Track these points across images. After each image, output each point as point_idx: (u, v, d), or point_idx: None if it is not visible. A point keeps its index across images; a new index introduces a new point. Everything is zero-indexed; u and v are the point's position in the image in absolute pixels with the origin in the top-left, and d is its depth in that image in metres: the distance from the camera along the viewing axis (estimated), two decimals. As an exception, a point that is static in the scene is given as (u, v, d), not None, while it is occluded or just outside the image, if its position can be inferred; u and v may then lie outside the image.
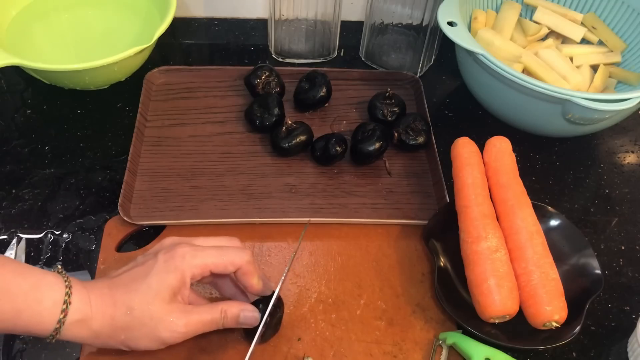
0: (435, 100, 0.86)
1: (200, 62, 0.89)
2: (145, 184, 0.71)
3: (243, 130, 0.78)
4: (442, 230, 0.66)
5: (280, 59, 0.90)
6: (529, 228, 0.62)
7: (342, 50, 0.91)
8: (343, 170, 0.75)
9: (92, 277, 0.63)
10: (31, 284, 0.48)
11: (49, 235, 0.67)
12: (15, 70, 0.82)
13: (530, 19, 0.85)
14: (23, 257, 0.64)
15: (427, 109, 0.80)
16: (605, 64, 0.81)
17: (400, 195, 0.73)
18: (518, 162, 0.69)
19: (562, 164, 0.79)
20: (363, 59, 0.91)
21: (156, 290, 0.50)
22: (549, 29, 0.84)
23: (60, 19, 0.87)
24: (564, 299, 0.59)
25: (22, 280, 0.48)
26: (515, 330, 0.60)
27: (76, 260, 0.65)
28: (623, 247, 0.71)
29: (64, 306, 0.49)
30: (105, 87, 0.82)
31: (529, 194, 0.66)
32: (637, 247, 0.71)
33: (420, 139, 0.76)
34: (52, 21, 0.87)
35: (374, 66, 0.90)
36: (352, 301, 0.63)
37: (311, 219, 0.68)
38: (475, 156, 0.68)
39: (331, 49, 0.90)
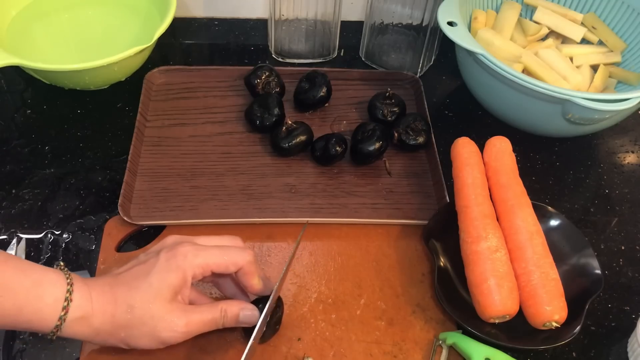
0: (435, 100, 0.86)
1: (200, 62, 0.89)
2: (145, 184, 0.71)
3: (243, 130, 0.78)
4: (442, 230, 0.66)
5: (280, 59, 0.90)
6: (529, 228, 0.62)
7: (342, 50, 0.91)
8: (343, 170, 0.75)
9: (92, 277, 0.63)
10: (33, 281, 0.49)
11: (49, 235, 0.67)
12: (15, 70, 0.82)
13: (530, 19, 0.85)
14: (23, 257, 0.64)
15: (427, 109, 0.80)
16: (605, 64, 0.81)
17: (400, 195, 0.73)
18: (518, 162, 0.69)
19: (562, 164, 0.79)
20: (363, 59, 0.91)
21: (157, 289, 0.50)
22: (549, 29, 0.84)
23: (60, 19, 0.87)
24: (564, 299, 0.59)
25: (23, 277, 0.48)
26: (515, 330, 0.60)
27: (76, 260, 0.65)
28: (623, 247, 0.71)
29: (65, 303, 0.49)
30: (105, 87, 0.82)
31: (529, 194, 0.66)
32: (637, 247, 0.71)
33: (420, 139, 0.76)
34: (52, 21, 0.87)
35: (374, 66, 0.90)
36: (352, 301, 0.63)
37: (311, 219, 0.68)
38: (475, 156, 0.68)
39: (331, 49, 0.90)
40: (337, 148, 0.73)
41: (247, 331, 0.56)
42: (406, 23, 0.85)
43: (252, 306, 0.55)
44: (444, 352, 0.59)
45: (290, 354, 0.59)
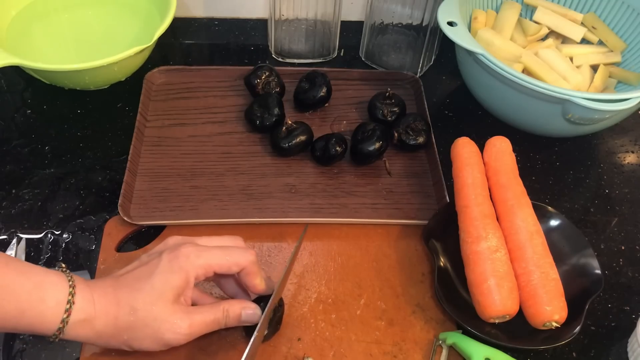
0: (435, 100, 0.86)
1: (200, 62, 0.89)
2: (145, 184, 0.71)
3: (243, 130, 0.78)
4: (442, 230, 0.66)
5: (280, 59, 0.90)
6: (529, 228, 0.62)
7: (342, 50, 0.91)
8: (343, 170, 0.75)
9: (92, 277, 0.63)
10: (35, 283, 0.48)
11: (49, 235, 0.67)
12: (15, 70, 0.82)
13: (530, 19, 0.85)
14: (23, 257, 0.64)
15: (427, 109, 0.80)
16: (605, 64, 0.81)
17: (400, 195, 0.73)
18: (518, 162, 0.69)
19: (562, 164, 0.79)
20: (363, 59, 0.91)
21: (160, 291, 0.50)
22: (549, 29, 0.84)
23: (60, 19, 0.87)
24: (564, 299, 0.59)
25: (25, 280, 0.48)
26: (515, 330, 0.60)
27: (76, 260, 0.65)
28: (623, 247, 0.71)
29: (68, 306, 0.48)
30: (105, 87, 0.82)
31: (529, 194, 0.66)
32: (637, 247, 0.71)
33: (420, 139, 0.76)
34: (52, 21, 0.87)
35: (374, 66, 0.90)
36: (352, 301, 0.63)
37: (311, 219, 0.68)
38: (475, 156, 0.68)
39: (331, 49, 0.90)
40: (337, 148, 0.73)
41: (249, 330, 0.56)
42: (406, 23, 0.85)
43: (254, 305, 0.55)
44: (444, 352, 0.59)
45: (290, 354, 0.59)
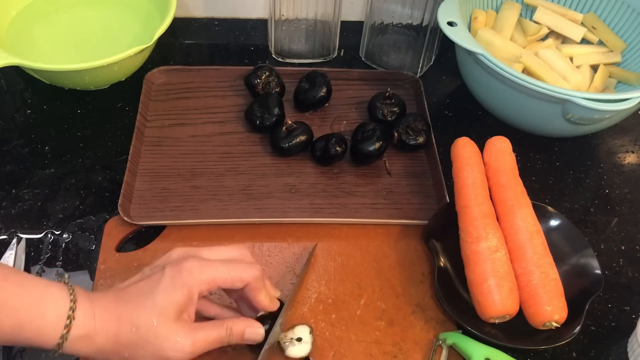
0: (435, 100, 0.86)
1: (200, 62, 0.89)
2: (145, 184, 0.71)
3: (243, 130, 0.78)
4: (442, 230, 0.66)
5: (280, 59, 0.90)
6: (529, 228, 0.62)
7: (342, 50, 0.91)
8: (343, 170, 0.75)
9: (92, 277, 0.63)
10: (35, 298, 0.47)
11: (49, 235, 0.67)
12: (15, 70, 0.82)
13: (530, 19, 0.85)
14: (23, 257, 0.64)
15: (427, 109, 0.80)
16: (605, 64, 0.81)
17: (400, 195, 0.73)
18: (518, 162, 0.69)
19: (562, 164, 0.79)
20: (363, 59, 0.91)
21: (162, 308, 0.49)
22: (549, 29, 0.84)
23: (60, 19, 0.87)
24: (564, 299, 0.59)
25: (25, 294, 0.47)
26: (515, 330, 0.60)
27: (76, 260, 0.65)
28: (623, 247, 0.71)
29: (68, 321, 0.47)
30: (105, 87, 0.82)
31: (529, 194, 0.66)
32: (637, 247, 0.71)
33: (420, 139, 0.76)
34: (52, 21, 0.87)
35: (374, 66, 0.90)
36: (352, 301, 0.63)
37: (311, 219, 0.69)
38: (475, 156, 0.68)
39: (331, 49, 0.90)
40: (337, 148, 0.73)
41: (252, 345, 0.55)
42: (406, 23, 0.85)
43: (257, 324, 0.54)
44: (444, 352, 0.59)
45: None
